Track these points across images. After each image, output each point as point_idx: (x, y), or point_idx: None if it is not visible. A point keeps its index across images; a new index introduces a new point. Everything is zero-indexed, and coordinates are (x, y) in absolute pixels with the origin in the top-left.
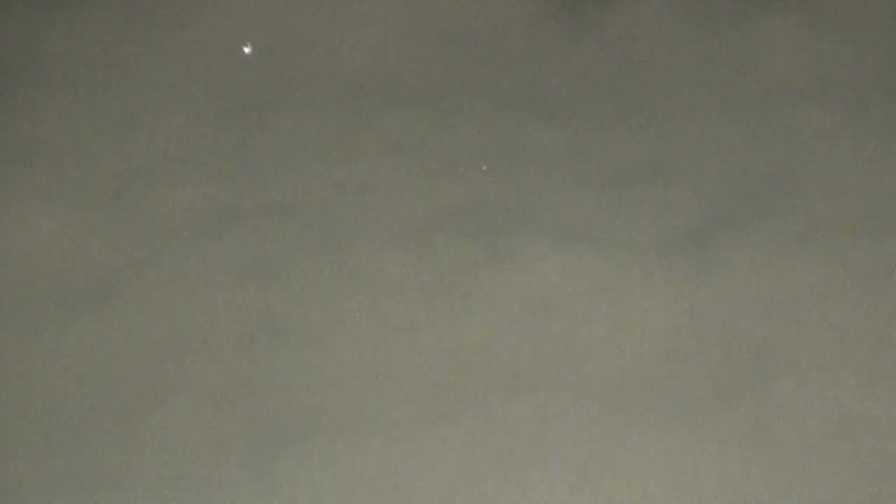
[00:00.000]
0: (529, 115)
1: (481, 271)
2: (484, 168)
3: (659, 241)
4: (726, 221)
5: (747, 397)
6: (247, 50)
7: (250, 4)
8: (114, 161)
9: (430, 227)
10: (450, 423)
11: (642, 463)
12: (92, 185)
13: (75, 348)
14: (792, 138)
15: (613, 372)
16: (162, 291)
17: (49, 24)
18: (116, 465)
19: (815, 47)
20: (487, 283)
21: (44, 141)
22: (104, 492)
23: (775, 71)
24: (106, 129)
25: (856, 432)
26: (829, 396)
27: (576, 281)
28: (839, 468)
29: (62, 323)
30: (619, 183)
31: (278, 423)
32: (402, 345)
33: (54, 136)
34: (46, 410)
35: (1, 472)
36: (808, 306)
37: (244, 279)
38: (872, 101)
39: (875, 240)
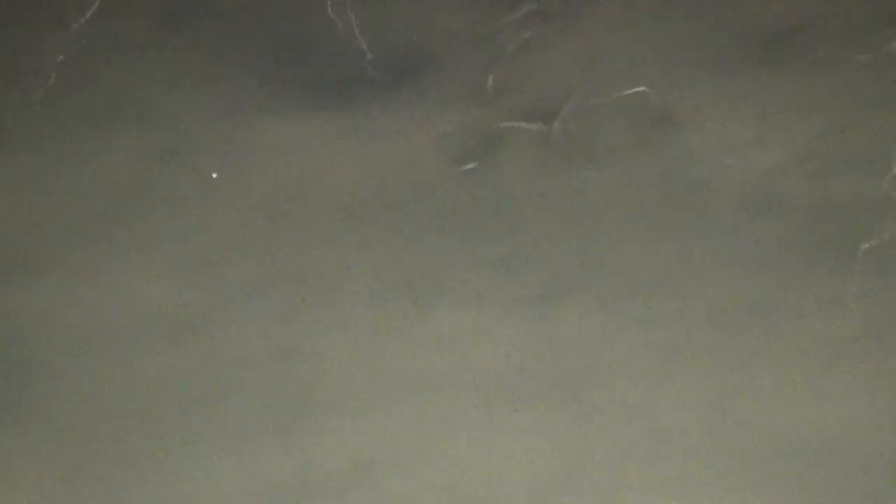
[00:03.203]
0: (443, 227)
1: (415, 319)
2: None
3: (520, 301)
4: (561, 290)
5: (577, 397)
6: (214, 175)
7: (299, 159)
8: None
9: (385, 288)
10: (415, 391)
11: (516, 423)
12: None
13: (188, 357)
14: (599, 240)
15: (497, 375)
16: (233, 323)
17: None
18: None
19: (606, 192)
20: (416, 325)
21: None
22: (204, 428)
23: (582, 202)
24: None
25: (649, 416)
26: (625, 393)
27: (472, 325)
28: (635, 441)
29: (174, 340)
30: (497, 267)
31: (307, 390)
32: (387, 339)
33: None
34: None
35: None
36: (611, 341)
37: (287, 310)
38: (649, 219)
39: (645, 298)
